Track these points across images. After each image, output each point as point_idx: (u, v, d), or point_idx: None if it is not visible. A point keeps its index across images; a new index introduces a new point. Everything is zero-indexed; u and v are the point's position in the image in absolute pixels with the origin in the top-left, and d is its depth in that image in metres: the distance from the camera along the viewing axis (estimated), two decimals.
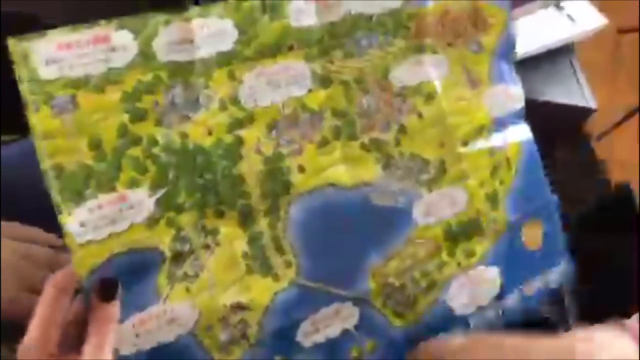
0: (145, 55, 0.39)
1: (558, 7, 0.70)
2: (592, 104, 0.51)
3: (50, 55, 0.36)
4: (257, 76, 0.42)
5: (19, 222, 0.50)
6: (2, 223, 0.47)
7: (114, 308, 0.37)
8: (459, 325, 0.48)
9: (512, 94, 0.52)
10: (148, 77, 0.39)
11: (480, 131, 0.50)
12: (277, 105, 0.43)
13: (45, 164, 0.36)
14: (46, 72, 0.36)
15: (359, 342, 0.45)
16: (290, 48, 0.43)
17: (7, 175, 0.48)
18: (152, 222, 0.39)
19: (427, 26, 0.47)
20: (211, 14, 0.41)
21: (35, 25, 0.38)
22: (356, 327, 0.44)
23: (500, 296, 0.50)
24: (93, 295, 0.36)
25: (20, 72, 0.36)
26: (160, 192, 0.39)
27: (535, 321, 0.52)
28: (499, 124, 0.51)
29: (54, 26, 0.37)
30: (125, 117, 0.38)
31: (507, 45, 0.51)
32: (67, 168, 0.37)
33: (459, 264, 0.48)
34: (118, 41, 0.38)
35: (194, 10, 0.40)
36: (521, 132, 0.52)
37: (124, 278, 0.37)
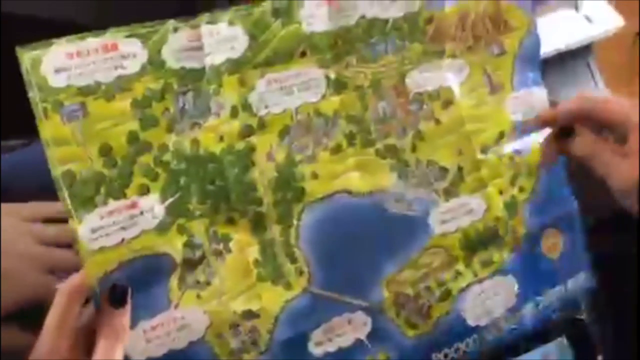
0: (155, 63, 0.38)
1: (575, 8, 0.68)
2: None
3: (60, 64, 0.36)
4: (268, 83, 0.41)
5: None
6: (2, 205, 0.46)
7: (124, 315, 0.37)
8: (472, 336, 0.47)
9: (535, 98, 0.50)
10: (158, 84, 0.39)
11: (501, 137, 0.49)
12: (290, 112, 0.42)
13: (56, 171, 0.36)
14: (55, 80, 0.36)
15: (371, 352, 0.44)
16: (303, 54, 0.42)
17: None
18: (162, 228, 0.38)
19: (446, 30, 0.46)
20: (220, 20, 0.40)
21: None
22: (368, 336, 0.44)
23: (516, 307, 0.49)
24: (103, 301, 0.37)
25: (30, 80, 0.36)
26: (171, 199, 0.39)
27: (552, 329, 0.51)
28: (522, 130, 0.50)
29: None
30: (136, 125, 0.38)
31: (531, 48, 0.50)
32: (78, 175, 0.37)
33: (475, 274, 0.47)
34: (127, 49, 0.38)
35: (203, 16, 0.40)
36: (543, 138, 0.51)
37: (135, 284, 0.37)
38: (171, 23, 0.39)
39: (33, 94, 0.36)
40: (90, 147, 0.37)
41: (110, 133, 0.37)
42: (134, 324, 0.37)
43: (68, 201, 0.36)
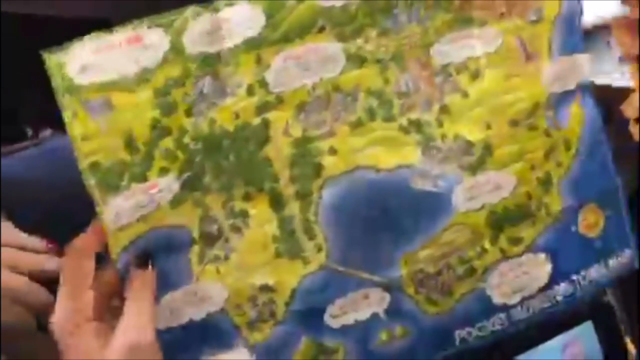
0: (176, 50, 0.39)
1: None
2: (630, 83, 0.46)
3: (85, 62, 0.37)
4: (285, 59, 0.41)
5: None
6: None
7: (151, 274, 0.38)
8: (499, 314, 0.46)
9: (576, 66, 0.47)
10: (178, 70, 0.39)
11: (535, 109, 0.46)
12: (307, 88, 0.41)
13: (83, 163, 0.38)
14: (82, 79, 0.37)
15: (388, 326, 0.44)
16: (321, 29, 0.41)
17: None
18: (177, 201, 0.40)
19: None
20: (239, 2, 0.40)
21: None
22: (386, 311, 0.44)
23: (549, 286, 0.47)
24: (129, 269, 0.38)
25: (56, 82, 0.37)
26: (186, 175, 0.40)
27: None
28: (559, 101, 0.47)
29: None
30: (157, 112, 0.39)
31: (572, 12, 0.46)
32: (103, 164, 0.38)
33: (502, 252, 0.46)
34: (150, 39, 0.38)
35: (222, 1, 0.40)
36: (584, 110, 0.47)
37: (155, 255, 0.39)
38: (192, 9, 0.39)
39: (61, 95, 0.38)
40: (115, 138, 0.38)
41: (133, 123, 0.39)
42: (158, 296, 0.39)
43: (95, 190, 0.38)
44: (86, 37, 0.38)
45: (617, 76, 0.47)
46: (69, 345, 0.36)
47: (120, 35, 0.38)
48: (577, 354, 0.49)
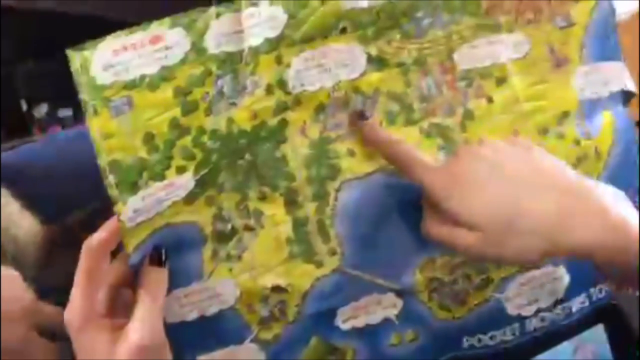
0: (197, 50, 0.39)
1: None
2: (631, 87, 0.44)
3: (108, 61, 0.38)
4: (305, 60, 0.40)
5: None
6: None
7: (164, 272, 0.39)
8: (512, 325, 0.45)
9: (609, 73, 0.45)
10: (199, 70, 0.39)
11: (564, 117, 0.44)
12: (326, 90, 0.41)
13: (103, 161, 0.38)
14: (104, 77, 0.38)
15: (399, 330, 0.44)
16: (343, 30, 0.40)
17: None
18: (190, 198, 0.40)
19: (502, 3, 0.42)
20: (261, 2, 0.39)
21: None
22: (397, 316, 0.44)
23: (565, 298, 0.46)
24: (141, 267, 0.39)
25: (79, 80, 0.38)
26: (201, 172, 0.40)
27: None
28: (590, 108, 0.45)
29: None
30: (178, 111, 0.39)
31: (604, 18, 0.44)
32: (122, 163, 0.38)
33: None
34: (172, 39, 0.38)
35: (244, 1, 0.39)
36: (616, 119, 0.46)
37: (168, 251, 0.39)
38: (214, 9, 0.39)
39: (83, 94, 0.38)
40: (135, 137, 0.38)
41: (154, 122, 0.39)
42: (169, 291, 0.40)
43: (114, 188, 0.38)
44: (109, 37, 0.38)
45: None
46: (81, 342, 0.37)
47: (142, 35, 0.38)
48: (588, 357, 0.48)
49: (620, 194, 0.36)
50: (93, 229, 0.38)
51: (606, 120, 0.46)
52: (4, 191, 0.44)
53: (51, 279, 0.44)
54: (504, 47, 0.43)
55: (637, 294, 0.36)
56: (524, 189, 0.36)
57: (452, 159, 0.39)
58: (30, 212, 0.44)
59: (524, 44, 0.43)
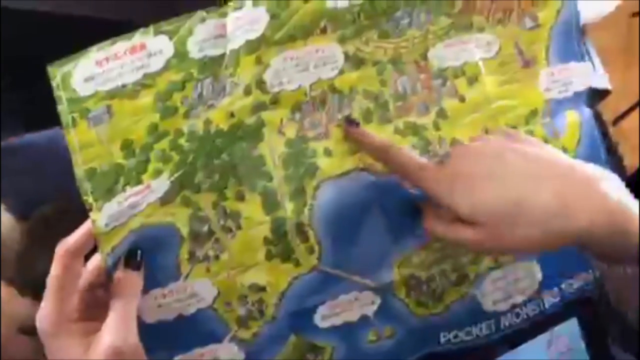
0: (180, 56, 0.39)
1: None
2: (606, 85, 0.46)
3: (89, 73, 0.37)
4: (285, 59, 0.41)
5: None
6: None
7: (139, 274, 0.38)
8: (488, 320, 0.46)
9: (573, 74, 0.47)
10: (180, 75, 0.39)
11: (532, 116, 0.46)
12: (304, 88, 0.41)
13: (79, 170, 0.38)
14: (85, 89, 0.37)
15: (377, 326, 0.44)
16: (324, 30, 0.41)
17: None
18: (166, 199, 0.39)
19: (475, 2, 0.43)
20: (245, 5, 0.39)
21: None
22: (375, 313, 0.44)
23: (538, 293, 0.47)
24: (116, 270, 0.38)
25: (59, 94, 0.37)
26: (177, 173, 0.39)
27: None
28: (556, 107, 0.47)
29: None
30: (156, 116, 0.39)
31: (569, 20, 0.46)
32: (99, 170, 0.38)
33: (496, 259, 0.46)
34: (155, 47, 0.38)
35: (230, 4, 0.39)
36: (581, 117, 0.47)
37: (144, 252, 0.39)
38: (198, 14, 0.39)
39: (62, 107, 0.37)
40: (113, 144, 0.38)
41: (132, 128, 0.38)
42: (146, 291, 0.39)
43: (89, 195, 0.38)
44: (91, 49, 0.37)
45: (594, 78, 0.48)
46: (54, 346, 0.36)
47: (125, 45, 0.38)
48: (562, 350, 0.49)
49: (614, 177, 0.37)
50: (63, 224, 0.38)
51: (572, 119, 0.47)
52: None
53: (30, 274, 0.43)
54: (475, 47, 0.44)
55: (630, 271, 0.36)
56: (523, 180, 0.36)
57: (448, 158, 0.39)
58: (5, 209, 0.43)
59: (494, 43, 0.45)
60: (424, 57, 0.43)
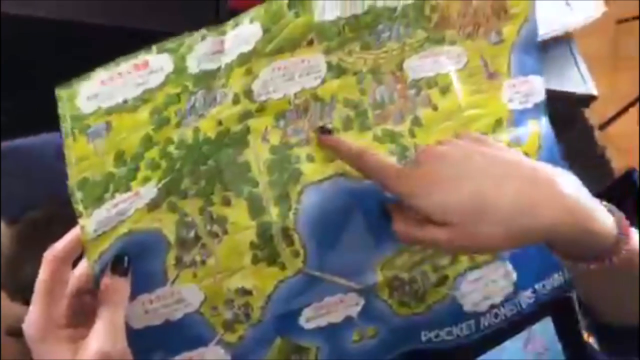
0: (178, 71, 0.40)
1: None
2: (592, 90, 0.49)
3: (93, 92, 0.38)
4: (273, 70, 0.42)
5: None
6: None
7: (126, 280, 0.38)
8: (468, 321, 0.48)
9: (532, 86, 0.50)
10: (177, 89, 0.40)
11: (498, 125, 0.49)
12: (289, 97, 0.43)
13: (72, 181, 0.38)
14: (87, 107, 0.38)
15: (360, 326, 0.45)
16: (310, 42, 0.43)
17: None
18: (152, 205, 0.40)
19: (449, 17, 0.46)
20: (244, 22, 0.41)
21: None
22: (359, 314, 0.45)
23: (514, 294, 0.49)
24: (103, 276, 0.38)
25: (63, 112, 0.38)
26: (164, 180, 0.40)
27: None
28: (519, 118, 0.50)
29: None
30: (151, 128, 0.40)
31: (529, 36, 0.49)
32: (90, 179, 0.38)
33: (473, 260, 0.48)
34: (156, 64, 0.39)
35: (230, 23, 0.41)
36: (541, 127, 0.50)
37: (131, 258, 0.39)
38: (199, 32, 0.40)
39: (65, 124, 0.38)
40: (107, 155, 0.39)
41: (128, 140, 0.39)
42: (133, 296, 0.39)
43: (80, 204, 0.38)
44: (96, 70, 0.39)
45: (580, 84, 0.50)
46: (41, 351, 0.36)
47: (128, 64, 0.39)
48: (538, 349, 0.51)
49: (572, 177, 0.39)
50: (52, 229, 0.38)
51: (533, 129, 0.50)
52: None
53: (19, 278, 0.43)
54: (447, 59, 0.47)
55: (593, 267, 0.38)
56: (488, 181, 0.38)
57: (417, 161, 0.41)
58: None
59: (463, 55, 0.47)
60: (400, 67, 0.46)
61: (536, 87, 0.50)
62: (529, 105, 0.50)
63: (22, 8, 0.59)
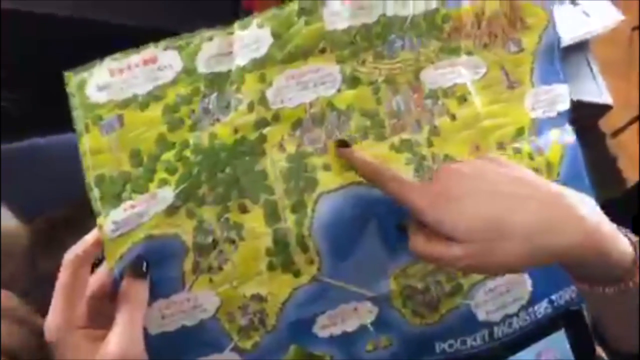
0: (188, 71, 0.41)
1: (573, 3, 0.66)
2: (608, 100, 0.48)
3: (103, 82, 0.40)
4: (287, 78, 0.43)
5: None
6: None
7: (145, 284, 0.39)
8: (482, 331, 0.48)
9: (556, 95, 0.50)
10: (188, 89, 0.41)
11: (519, 134, 0.48)
12: (304, 105, 0.44)
13: (89, 176, 0.40)
14: (98, 97, 0.40)
15: (374, 336, 0.45)
16: (323, 51, 0.44)
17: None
18: (171, 211, 0.41)
19: (462, 27, 0.46)
20: (251, 25, 0.42)
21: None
22: (373, 323, 0.45)
23: (529, 304, 0.49)
24: (123, 278, 0.39)
25: (74, 100, 0.40)
26: (182, 185, 0.41)
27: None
28: (541, 126, 0.49)
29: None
30: (164, 128, 0.41)
31: (550, 45, 0.49)
32: (107, 176, 0.40)
33: None
34: (165, 60, 0.41)
35: (237, 24, 0.42)
36: (565, 136, 0.50)
37: (149, 262, 0.40)
38: (207, 32, 0.42)
39: (76, 112, 0.40)
40: (122, 152, 0.40)
41: (141, 138, 0.40)
42: (150, 302, 0.40)
43: (98, 201, 0.39)
44: (106, 59, 0.40)
45: (596, 94, 0.49)
46: (61, 353, 0.37)
47: (137, 57, 0.40)
48: None
49: (589, 200, 0.39)
50: (69, 230, 0.39)
51: (556, 138, 0.50)
52: None
53: (33, 276, 0.44)
54: (464, 69, 0.47)
55: (608, 291, 0.38)
56: (506, 200, 0.38)
57: (434, 178, 0.40)
58: (12, 213, 0.44)
59: (481, 66, 0.47)
60: (417, 77, 0.46)
61: (561, 95, 0.50)
62: (553, 113, 0.49)
63: (43, 7, 0.60)
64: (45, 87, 0.41)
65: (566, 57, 0.58)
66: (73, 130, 0.40)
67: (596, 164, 0.50)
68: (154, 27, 0.62)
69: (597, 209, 0.39)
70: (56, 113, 0.41)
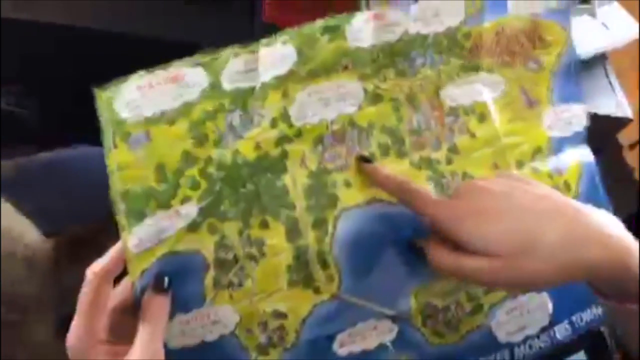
0: (214, 87, 0.42)
1: (592, 15, 0.66)
2: (628, 113, 0.48)
3: (131, 98, 0.40)
4: (309, 94, 0.43)
5: None
6: None
7: (167, 299, 0.39)
8: (502, 351, 0.47)
9: (573, 115, 0.50)
10: (213, 105, 0.42)
11: (538, 152, 0.48)
12: (326, 122, 0.44)
13: (116, 191, 0.40)
14: (126, 113, 0.40)
15: (394, 355, 0.45)
16: (345, 68, 0.44)
17: None
18: (193, 227, 0.41)
19: (483, 45, 0.47)
20: (276, 42, 0.43)
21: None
22: (393, 342, 0.45)
23: (550, 325, 0.48)
24: (145, 293, 0.39)
25: (103, 116, 0.40)
26: (205, 201, 0.41)
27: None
28: (559, 146, 0.49)
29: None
30: (189, 144, 0.41)
31: (569, 64, 0.49)
32: (133, 192, 0.40)
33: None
34: (192, 77, 0.41)
35: (262, 41, 0.43)
36: (582, 155, 0.50)
37: (171, 278, 0.40)
38: (231, 49, 0.42)
39: (105, 128, 0.40)
40: (148, 167, 0.40)
41: (167, 153, 0.41)
42: (171, 317, 0.40)
43: (123, 216, 0.40)
44: (134, 75, 0.40)
45: (616, 106, 0.49)
46: None
47: (164, 74, 0.41)
48: None
49: (613, 217, 0.39)
50: (92, 245, 0.39)
51: (573, 157, 0.50)
52: (9, 205, 0.45)
53: (56, 290, 0.44)
54: (484, 86, 0.47)
55: (630, 307, 0.38)
56: (531, 216, 0.38)
57: (456, 193, 0.41)
58: (35, 226, 0.44)
59: (500, 84, 0.48)
60: (437, 95, 0.46)
61: (578, 115, 0.50)
62: (569, 133, 0.49)
63: (76, 20, 0.62)
64: (70, 101, 0.41)
65: (585, 69, 0.59)
66: (93, 144, 0.41)
67: (614, 176, 0.50)
68: (171, 40, 0.64)
69: (621, 225, 0.38)
70: (79, 128, 0.41)
